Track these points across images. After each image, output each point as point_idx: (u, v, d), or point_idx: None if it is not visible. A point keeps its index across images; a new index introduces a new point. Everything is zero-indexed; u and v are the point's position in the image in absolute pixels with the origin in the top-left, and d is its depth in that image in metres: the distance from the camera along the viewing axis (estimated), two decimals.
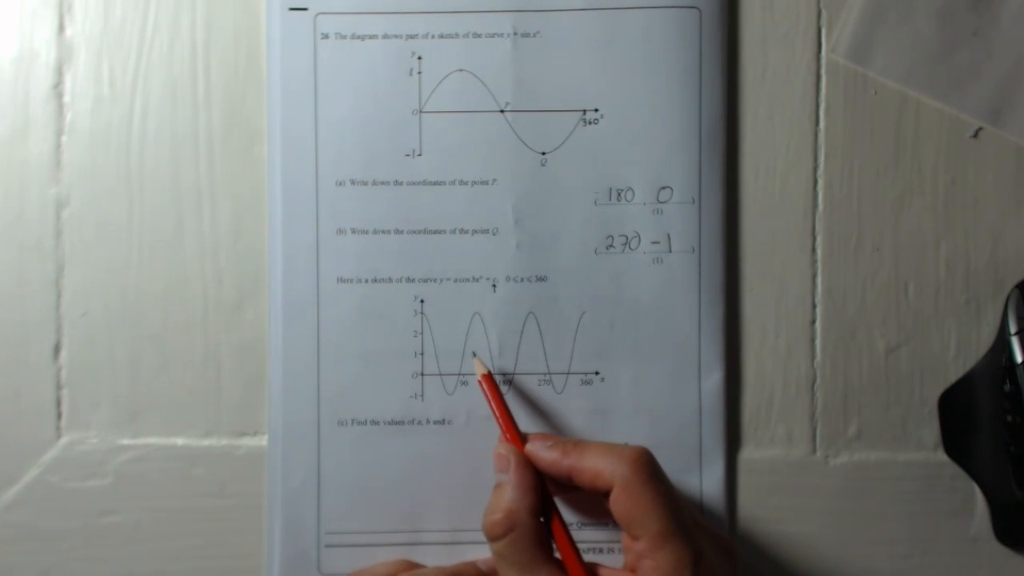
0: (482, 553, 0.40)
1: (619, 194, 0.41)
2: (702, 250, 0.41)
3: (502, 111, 0.41)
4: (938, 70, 0.42)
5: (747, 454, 0.42)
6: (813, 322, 0.42)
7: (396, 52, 0.41)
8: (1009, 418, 0.40)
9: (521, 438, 0.38)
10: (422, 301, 0.41)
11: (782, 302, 0.42)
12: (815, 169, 0.42)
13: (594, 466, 0.35)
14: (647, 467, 0.34)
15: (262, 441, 0.42)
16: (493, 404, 0.39)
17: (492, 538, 0.35)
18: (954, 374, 0.42)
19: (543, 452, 0.36)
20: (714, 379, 0.41)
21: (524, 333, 0.41)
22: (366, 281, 0.41)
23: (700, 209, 0.41)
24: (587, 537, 0.41)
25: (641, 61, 0.41)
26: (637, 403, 0.41)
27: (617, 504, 0.34)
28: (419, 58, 0.41)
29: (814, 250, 0.42)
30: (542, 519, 0.36)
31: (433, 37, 0.41)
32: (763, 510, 0.42)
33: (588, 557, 0.37)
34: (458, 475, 0.41)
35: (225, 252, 0.42)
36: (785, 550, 0.42)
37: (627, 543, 0.34)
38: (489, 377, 0.40)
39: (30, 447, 0.42)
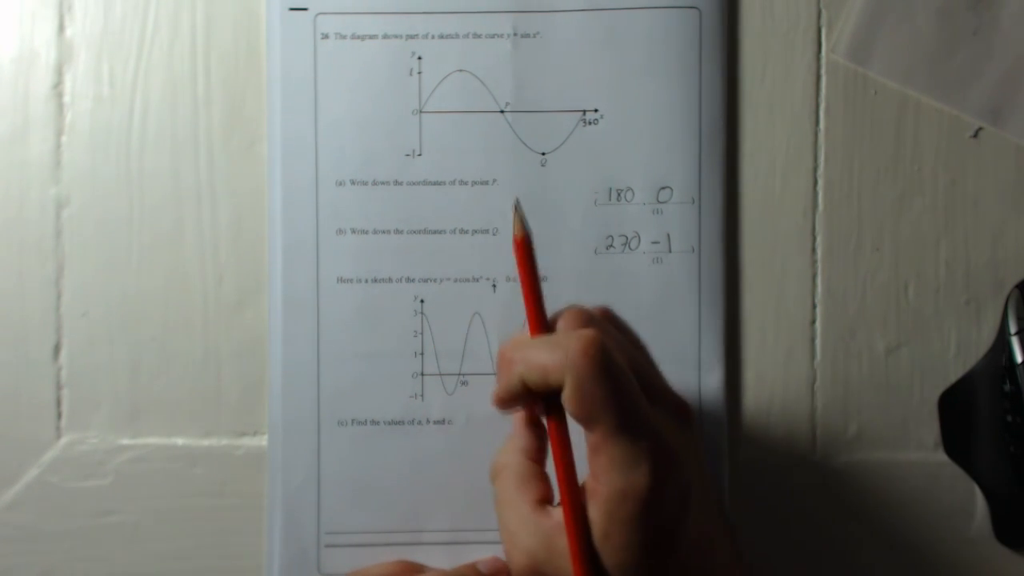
0: (482, 553, 0.40)
1: (619, 194, 0.41)
2: (702, 250, 0.41)
3: (502, 111, 0.41)
4: (938, 70, 0.42)
5: (747, 454, 0.42)
6: (813, 322, 0.42)
7: (396, 52, 0.41)
8: (1009, 418, 0.40)
9: (547, 326, 0.34)
10: (422, 301, 0.41)
11: (782, 302, 0.42)
12: (815, 169, 0.42)
13: (541, 361, 0.32)
14: (598, 359, 0.31)
15: (262, 441, 0.42)
16: (521, 277, 0.35)
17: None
18: (954, 374, 0.42)
19: (500, 387, 0.34)
20: (714, 379, 0.41)
21: (524, 333, 0.41)
22: (366, 281, 0.41)
23: (700, 209, 0.41)
24: None
25: (641, 61, 0.41)
26: None
27: (570, 403, 0.32)
28: (419, 58, 0.41)
29: (814, 250, 0.42)
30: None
31: (433, 37, 0.41)
32: (763, 510, 0.42)
33: None
34: (458, 475, 0.41)
35: (225, 252, 0.42)
36: (785, 550, 0.42)
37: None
38: (524, 242, 0.35)
39: (30, 447, 0.42)
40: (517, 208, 0.35)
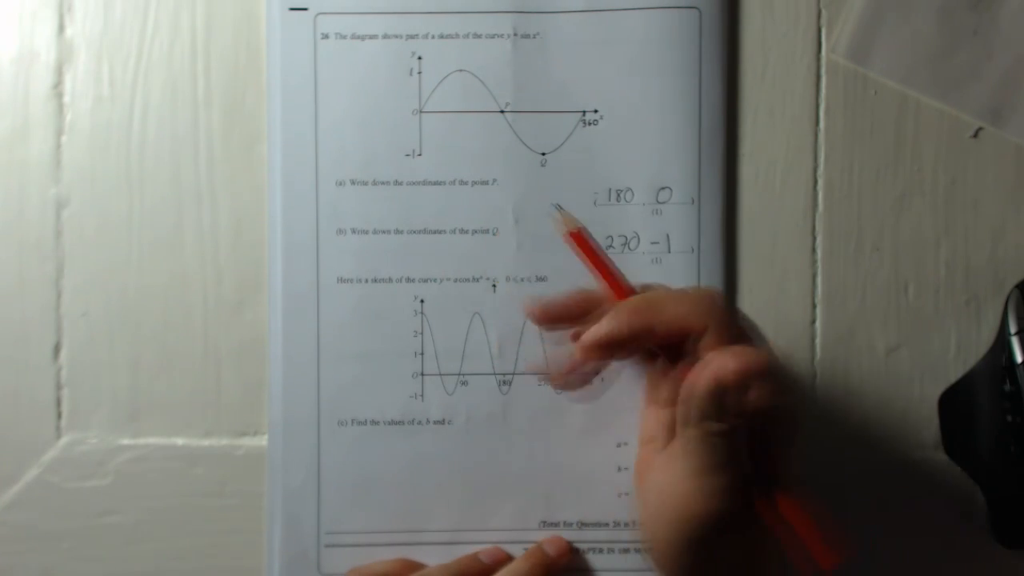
0: None
1: (619, 194, 0.41)
2: (701, 250, 0.41)
3: (502, 111, 0.41)
4: (938, 70, 0.42)
5: None
6: (813, 322, 0.42)
7: (396, 52, 0.41)
8: (1009, 418, 0.40)
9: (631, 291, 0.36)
10: (422, 301, 0.41)
11: (782, 302, 0.42)
12: (815, 169, 0.42)
13: (677, 315, 0.34)
14: (731, 307, 0.38)
15: (262, 441, 0.42)
16: (589, 263, 0.37)
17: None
18: (954, 374, 0.42)
19: (614, 326, 0.35)
20: None
21: (524, 333, 0.41)
22: (366, 281, 0.41)
23: (699, 209, 0.41)
24: (588, 537, 0.41)
25: (641, 61, 0.41)
26: (637, 403, 0.41)
27: (709, 344, 0.34)
28: (419, 58, 0.41)
29: (814, 250, 0.42)
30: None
31: (433, 37, 0.41)
32: None
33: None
34: (458, 475, 0.41)
35: (225, 252, 0.42)
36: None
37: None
38: (580, 234, 0.37)
39: (30, 447, 0.42)
40: (560, 210, 0.40)
